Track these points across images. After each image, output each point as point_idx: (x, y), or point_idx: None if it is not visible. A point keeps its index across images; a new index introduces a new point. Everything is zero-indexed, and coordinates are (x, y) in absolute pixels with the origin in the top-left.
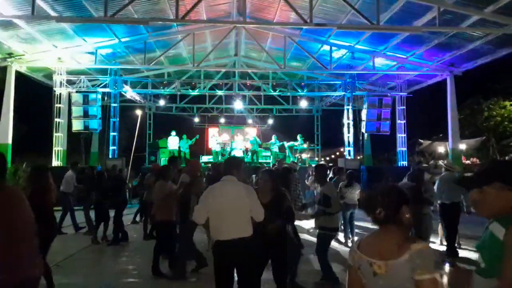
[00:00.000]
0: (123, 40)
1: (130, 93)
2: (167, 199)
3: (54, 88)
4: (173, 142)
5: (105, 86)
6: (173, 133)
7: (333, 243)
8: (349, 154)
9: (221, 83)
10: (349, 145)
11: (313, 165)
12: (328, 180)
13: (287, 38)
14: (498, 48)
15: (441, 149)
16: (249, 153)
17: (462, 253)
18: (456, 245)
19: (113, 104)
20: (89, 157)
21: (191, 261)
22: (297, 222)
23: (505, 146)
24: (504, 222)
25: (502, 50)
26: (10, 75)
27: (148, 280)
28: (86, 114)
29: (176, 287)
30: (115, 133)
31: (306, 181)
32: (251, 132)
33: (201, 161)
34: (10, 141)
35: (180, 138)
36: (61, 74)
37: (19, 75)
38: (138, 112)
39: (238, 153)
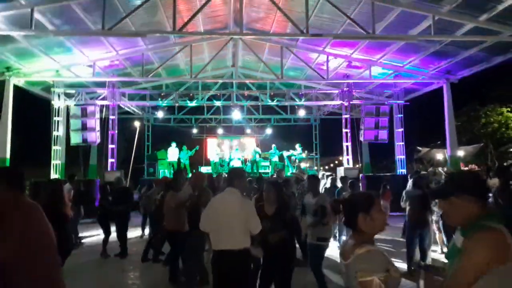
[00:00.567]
0: (120, 52)
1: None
2: (178, 209)
3: (52, 102)
4: (173, 153)
5: (103, 99)
6: (173, 144)
7: (332, 253)
8: (348, 163)
9: (219, 93)
10: (347, 154)
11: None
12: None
13: (284, 48)
14: (493, 55)
15: (439, 156)
16: (248, 163)
17: None
18: None
19: (111, 117)
20: (88, 170)
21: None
22: None
23: (503, 152)
24: (464, 232)
25: (497, 57)
26: (8, 89)
27: None
28: (84, 127)
29: None
30: (113, 146)
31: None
32: (250, 142)
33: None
34: (8, 155)
35: (180, 150)
36: (59, 87)
37: (17, 89)
38: (137, 124)
39: (237, 163)
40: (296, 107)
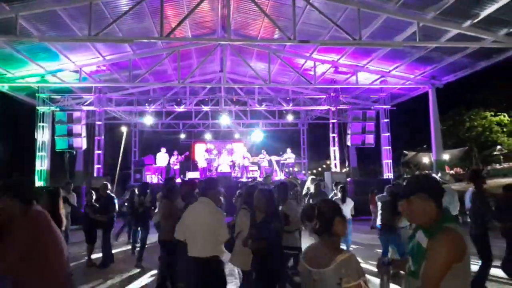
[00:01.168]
0: (107, 58)
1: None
2: (175, 218)
3: (37, 107)
4: (161, 158)
5: (90, 104)
6: (163, 150)
7: None
8: (335, 167)
9: (207, 98)
10: (335, 158)
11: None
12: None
13: (272, 54)
14: (477, 61)
15: (425, 159)
16: (236, 168)
17: None
18: None
19: (97, 122)
20: (74, 176)
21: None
22: None
23: (488, 156)
24: (427, 233)
25: (481, 62)
26: None
27: None
28: (70, 133)
29: None
30: (100, 151)
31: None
32: (238, 147)
33: (187, 177)
34: None
35: (171, 155)
36: (44, 93)
37: (0, 94)
38: (124, 130)
39: (225, 168)
40: (284, 112)
